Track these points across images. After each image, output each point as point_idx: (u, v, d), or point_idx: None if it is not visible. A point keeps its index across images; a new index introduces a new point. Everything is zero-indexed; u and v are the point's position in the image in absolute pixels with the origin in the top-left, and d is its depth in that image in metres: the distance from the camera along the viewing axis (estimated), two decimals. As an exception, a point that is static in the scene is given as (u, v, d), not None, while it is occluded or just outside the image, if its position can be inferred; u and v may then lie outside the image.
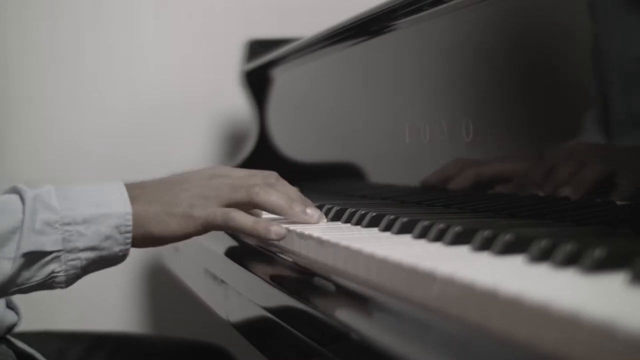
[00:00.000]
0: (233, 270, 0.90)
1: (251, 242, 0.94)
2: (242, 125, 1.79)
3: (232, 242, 1.00)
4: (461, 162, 0.90)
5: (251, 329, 0.85)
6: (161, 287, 1.80)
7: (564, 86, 0.75)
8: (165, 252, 1.51)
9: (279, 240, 0.82)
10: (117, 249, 0.81)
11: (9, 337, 0.97)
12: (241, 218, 0.83)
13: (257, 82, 1.59)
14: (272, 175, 0.87)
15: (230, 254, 0.95)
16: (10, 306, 0.97)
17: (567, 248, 0.50)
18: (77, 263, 0.80)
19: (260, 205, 0.85)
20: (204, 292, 1.12)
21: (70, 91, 1.77)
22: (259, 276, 0.79)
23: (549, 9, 0.76)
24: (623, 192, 0.65)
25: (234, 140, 1.84)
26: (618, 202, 0.66)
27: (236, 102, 1.76)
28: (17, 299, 0.98)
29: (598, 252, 0.47)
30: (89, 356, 1.15)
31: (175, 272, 1.41)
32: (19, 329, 0.99)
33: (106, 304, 1.78)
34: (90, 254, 0.80)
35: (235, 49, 1.70)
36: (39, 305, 1.63)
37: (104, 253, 0.81)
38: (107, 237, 0.81)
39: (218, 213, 0.83)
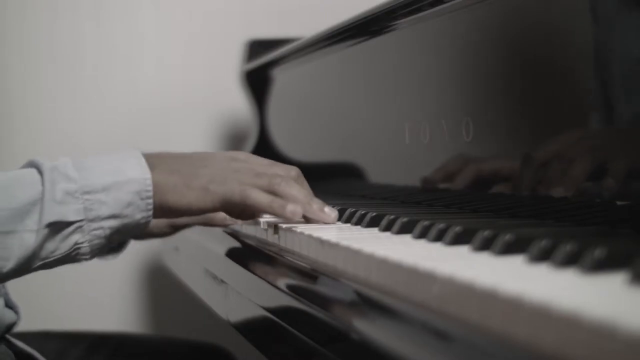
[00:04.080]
0: (233, 270, 0.90)
1: (251, 241, 0.94)
2: (242, 125, 1.79)
3: (232, 242, 1.00)
4: (462, 159, 0.90)
5: (251, 329, 0.85)
6: (161, 287, 1.80)
7: (564, 86, 0.75)
8: (165, 252, 1.51)
9: (293, 218, 0.82)
10: (139, 215, 0.81)
11: (8, 336, 0.97)
12: (258, 195, 0.83)
13: (257, 82, 1.59)
14: (293, 169, 0.87)
15: (230, 253, 0.95)
16: (9, 305, 0.97)
17: (567, 248, 0.50)
18: (101, 232, 0.80)
19: (280, 195, 0.84)
20: (204, 292, 1.11)
21: (70, 91, 1.77)
22: (259, 276, 0.79)
23: (548, 9, 0.76)
24: (623, 192, 0.65)
25: (234, 140, 1.84)
26: (618, 202, 0.66)
27: (236, 102, 1.76)
28: (16, 298, 0.98)
29: (598, 252, 0.47)
30: (89, 356, 1.15)
31: (175, 272, 1.41)
32: (19, 328, 0.99)
33: (106, 304, 1.78)
34: (113, 222, 0.80)
35: (235, 49, 1.70)
36: (39, 305, 1.63)
37: (126, 220, 0.80)
38: (129, 204, 0.80)
39: (236, 190, 0.83)
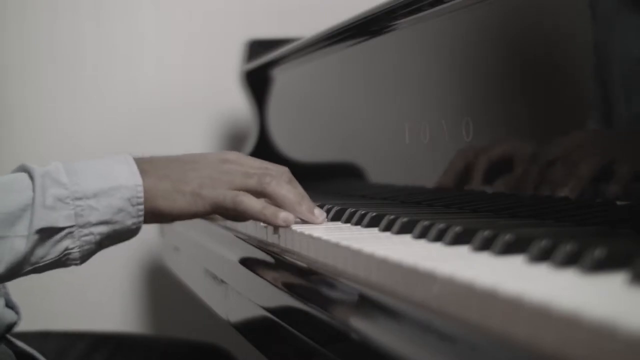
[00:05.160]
0: (233, 270, 0.90)
1: (251, 241, 0.94)
2: (242, 125, 1.79)
3: (232, 242, 1.00)
4: (468, 153, 0.89)
5: (251, 329, 0.85)
6: (161, 287, 1.80)
7: (563, 85, 0.75)
8: (165, 252, 1.51)
9: (286, 226, 0.82)
10: (129, 222, 0.81)
11: (8, 336, 0.97)
12: (250, 201, 0.82)
13: (257, 82, 1.59)
14: (284, 170, 0.87)
15: (230, 253, 0.95)
16: (9, 305, 0.97)
17: (567, 248, 0.50)
18: (91, 238, 0.80)
19: (270, 195, 0.84)
20: (204, 292, 1.12)
21: (70, 91, 1.77)
22: (259, 276, 0.79)
23: (548, 9, 0.76)
24: (623, 192, 0.65)
25: (234, 140, 1.84)
26: (618, 202, 0.66)
27: (236, 102, 1.76)
28: (17, 298, 0.98)
29: (598, 252, 0.47)
30: (89, 356, 1.15)
31: (175, 272, 1.41)
32: (19, 328, 0.99)
33: (106, 304, 1.78)
34: (103, 228, 0.80)
35: (235, 49, 1.70)
36: (39, 305, 1.63)
37: (117, 227, 0.80)
38: (120, 210, 0.80)
39: (228, 195, 0.83)
